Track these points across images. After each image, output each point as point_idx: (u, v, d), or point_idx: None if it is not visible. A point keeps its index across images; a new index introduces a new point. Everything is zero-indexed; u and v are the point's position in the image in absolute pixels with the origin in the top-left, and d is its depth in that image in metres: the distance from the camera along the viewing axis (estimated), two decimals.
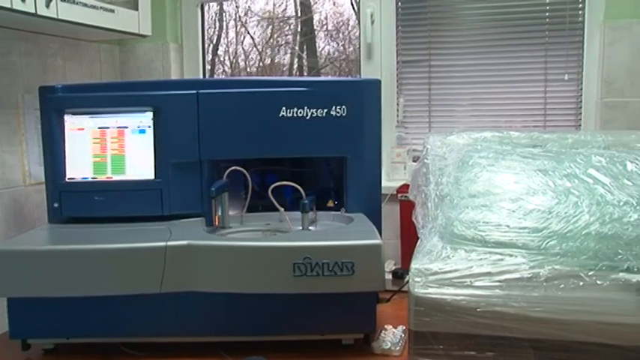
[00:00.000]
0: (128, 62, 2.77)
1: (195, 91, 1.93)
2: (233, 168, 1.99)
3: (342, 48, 3.36)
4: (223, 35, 3.35)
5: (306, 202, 1.91)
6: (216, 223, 1.96)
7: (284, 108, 1.92)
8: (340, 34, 3.36)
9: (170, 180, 1.93)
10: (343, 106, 1.93)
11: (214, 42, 3.32)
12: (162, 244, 1.68)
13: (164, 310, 1.70)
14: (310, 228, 1.94)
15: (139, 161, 1.95)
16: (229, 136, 1.93)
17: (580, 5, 2.35)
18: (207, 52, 3.02)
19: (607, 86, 2.28)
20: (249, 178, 2.02)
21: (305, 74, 3.38)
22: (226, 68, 3.43)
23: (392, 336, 1.80)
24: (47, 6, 1.86)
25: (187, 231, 1.81)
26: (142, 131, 1.95)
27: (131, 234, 1.79)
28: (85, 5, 2.02)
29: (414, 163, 2.00)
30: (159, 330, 1.74)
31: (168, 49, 2.73)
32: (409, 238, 2.01)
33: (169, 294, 1.68)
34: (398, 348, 1.76)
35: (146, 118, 1.95)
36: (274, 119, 1.92)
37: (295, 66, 3.42)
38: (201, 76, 2.85)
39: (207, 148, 1.94)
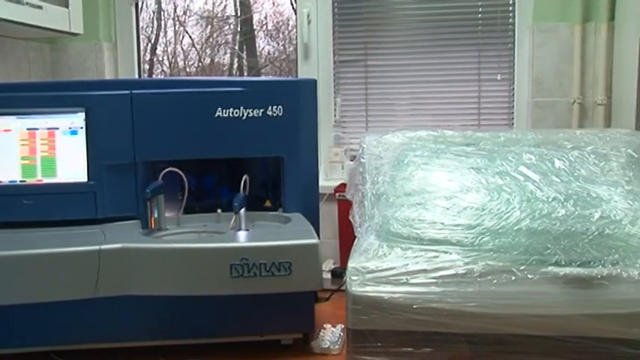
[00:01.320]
0: (60, 61, 2.69)
1: (128, 92, 1.89)
2: (169, 169, 1.96)
3: (282, 48, 3.36)
4: (162, 34, 3.29)
5: (236, 203, 1.86)
6: (152, 226, 1.92)
7: (220, 108, 1.90)
8: (280, 34, 3.36)
9: (104, 182, 1.89)
10: (279, 106, 1.92)
11: (152, 41, 3.26)
12: (96, 247, 1.64)
13: (99, 316, 1.66)
14: (247, 229, 1.93)
15: (70, 163, 1.89)
16: (164, 137, 1.90)
17: (510, 8, 2.42)
18: (146, 51, 2.96)
19: (537, 86, 2.36)
20: (185, 180, 1.99)
21: (245, 74, 3.36)
22: (165, 68, 3.37)
23: (331, 335, 1.81)
24: None
25: (122, 234, 1.77)
26: (74, 132, 1.90)
27: (63, 238, 1.74)
28: (9, 0, 1.94)
29: (352, 163, 2.01)
30: (94, 336, 1.69)
31: (102, 48, 2.66)
32: (348, 237, 2.02)
33: (104, 299, 1.64)
34: (337, 347, 1.76)
35: (78, 119, 1.89)
36: (210, 119, 1.90)
37: (235, 66, 3.39)
38: (136, 76, 2.79)
39: (142, 149, 1.90)
